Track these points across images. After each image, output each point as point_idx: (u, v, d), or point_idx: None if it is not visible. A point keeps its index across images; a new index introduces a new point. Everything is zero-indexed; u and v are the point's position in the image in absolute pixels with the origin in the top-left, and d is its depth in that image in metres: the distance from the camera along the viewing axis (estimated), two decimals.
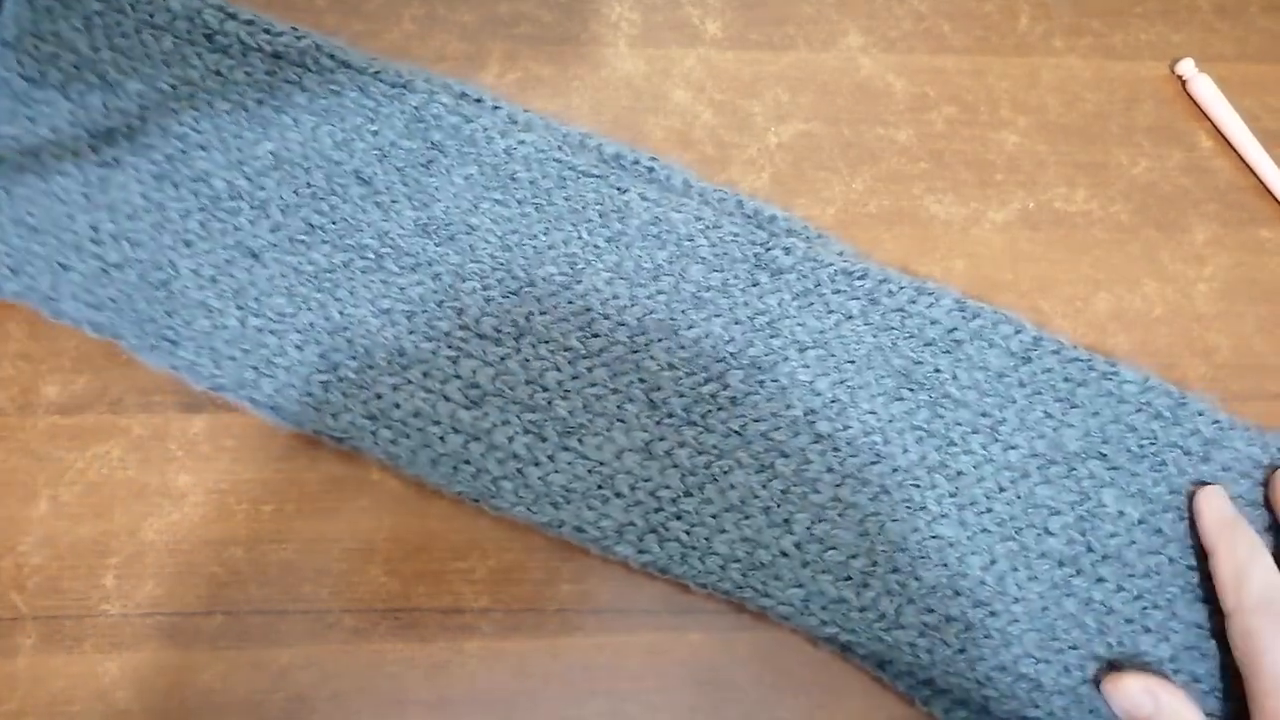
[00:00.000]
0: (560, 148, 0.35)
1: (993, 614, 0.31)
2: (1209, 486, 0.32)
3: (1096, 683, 0.31)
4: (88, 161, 0.34)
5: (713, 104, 0.38)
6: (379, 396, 0.32)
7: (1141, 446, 0.33)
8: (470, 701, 0.32)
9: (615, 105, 0.38)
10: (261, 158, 0.34)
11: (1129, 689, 0.30)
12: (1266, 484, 0.33)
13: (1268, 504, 0.33)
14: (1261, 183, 0.39)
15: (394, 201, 0.34)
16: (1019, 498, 0.32)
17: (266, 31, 0.34)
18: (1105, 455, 0.33)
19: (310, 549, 0.33)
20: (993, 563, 0.32)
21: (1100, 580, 0.32)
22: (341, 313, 0.33)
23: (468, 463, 0.32)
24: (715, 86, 0.39)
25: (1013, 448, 0.33)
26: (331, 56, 0.35)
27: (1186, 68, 0.39)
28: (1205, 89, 0.39)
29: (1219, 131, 0.39)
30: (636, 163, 0.36)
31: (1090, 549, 0.32)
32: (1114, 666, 0.31)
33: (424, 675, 0.32)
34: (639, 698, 0.32)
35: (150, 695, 0.31)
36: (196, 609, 0.32)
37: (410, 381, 0.33)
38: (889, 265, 0.37)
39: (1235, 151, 0.39)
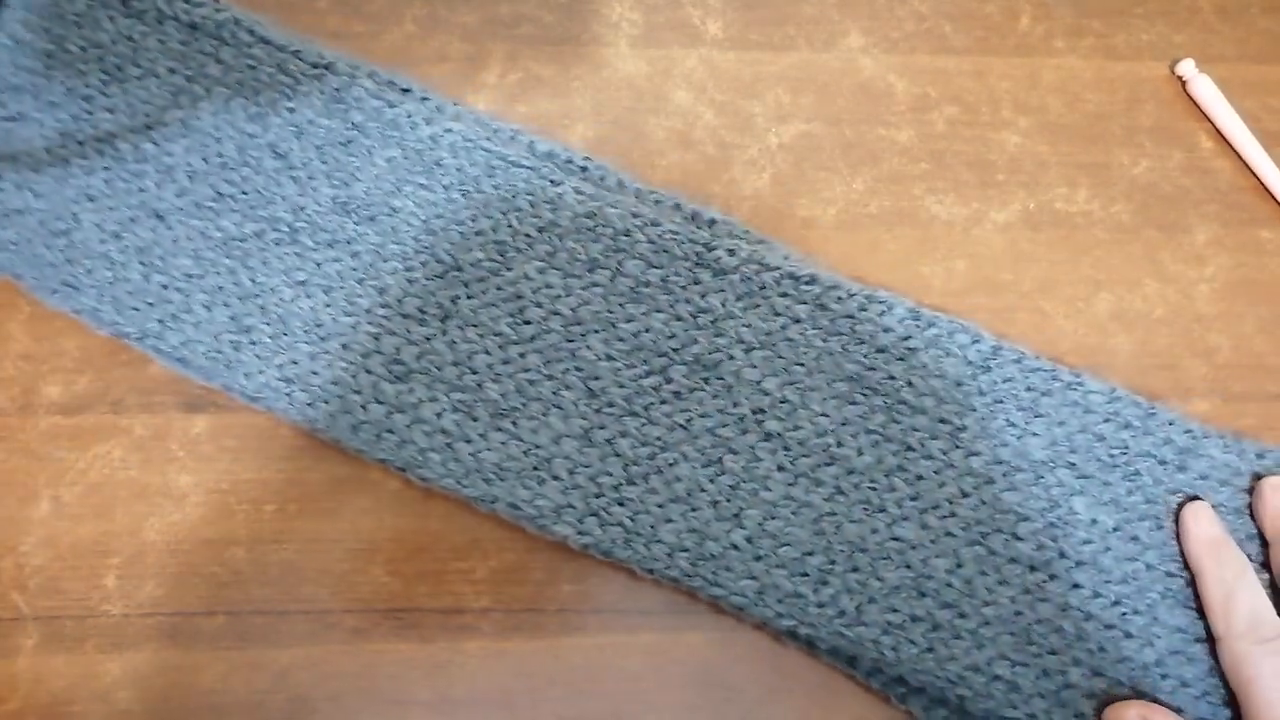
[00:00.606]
0: (489, 138, 0.35)
1: (962, 615, 0.31)
2: (1195, 503, 0.32)
3: (1092, 698, 0.31)
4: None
5: (714, 104, 0.39)
6: (295, 362, 0.33)
7: (1112, 456, 0.33)
8: (471, 702, 0.32)
9: (616, 106, 0.38)
10: (170, 124, 0.34)
11: (1124, 718, 0.30)
12: (1251, 492, 0.33)
13: (1251, 514, 0.32)
14: (1262, 183, 0.38)
15: (311, 178, 0.34)
16: (984, 503, 0.32)
17: (185, 0, 0.34)
18: (1074, 464, 0.32)
19: (311, 549, 0.33)
20: (959, 566, 0.31)
21: (1076, 586, 0.31)
22: (253, 280, 0.33)
23: (391, 432, 0.32)
24: (716, 87, 0.39)
25: (975, 454, 0.32)
26: (250, 32, 0.35)
27: (1187, 68, 0.39)
28: (1205, 89, 0.39)
29: (1219, 132, 0.39)
30: (570, 161, 0.36)
31: (1063, 555, 0.31)
32: (1098, 674, 0.31)
33: (424, 675, 0.32)
34: (639, 698, 0.32)
35: (151, 695, 0.31)
36: (197, 609, 0.32)
37: (328, 352, 0.33)
38: (888, 267, 0.37)
39: (1235, 152, 0.39)
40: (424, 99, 0.36)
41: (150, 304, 0.33)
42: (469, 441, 0.32)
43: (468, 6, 0.39)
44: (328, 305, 0.33)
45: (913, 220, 0.38)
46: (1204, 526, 0.31)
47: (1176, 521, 0.32)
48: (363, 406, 0.32)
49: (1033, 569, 0.31)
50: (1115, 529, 0.32)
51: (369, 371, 0.32)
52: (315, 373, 0.32)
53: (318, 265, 0.33)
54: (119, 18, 0.35)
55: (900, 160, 0.38)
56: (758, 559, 0.31)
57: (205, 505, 0.33)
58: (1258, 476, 0.33)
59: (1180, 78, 0.40)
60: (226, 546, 0.32)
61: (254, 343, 0.33)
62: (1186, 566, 0.32)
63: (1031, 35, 0.40)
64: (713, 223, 0.35)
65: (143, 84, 0.34)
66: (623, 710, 0.32)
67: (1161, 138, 0.39)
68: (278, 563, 0.32)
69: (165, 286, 0.33)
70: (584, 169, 0.36)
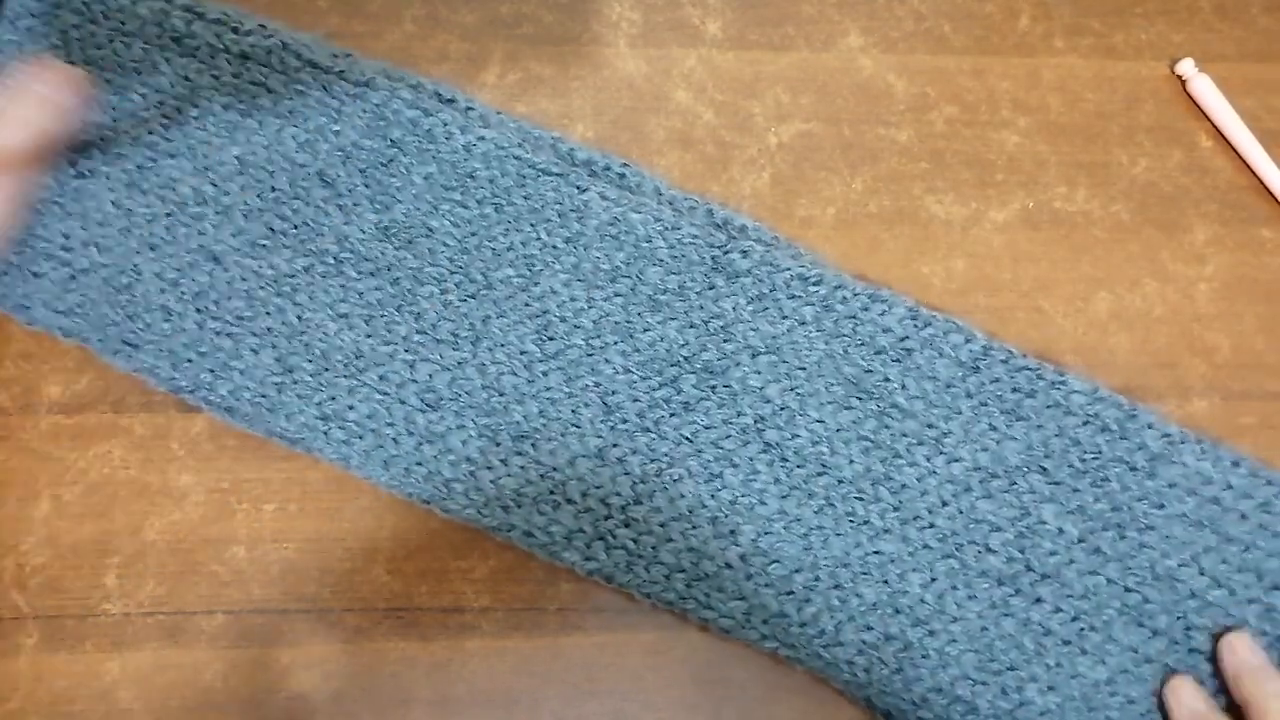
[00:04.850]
0: (520, 145, 0.35)
1: (931, 633, 0.31)
2: (1231, 635, 0.31)
3: (1045, 715, 0.31)
4: (64, 174, 0.34)
5: (713, 104, 0.39)
6: (333, 399, 0.33)
7: (1084, 461, 0.33)
8: (471, 701, 0.32)
9: (616, 106, 0.38)
10: (227, 163, 0.34)
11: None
12: (1217, 502, 0.32)
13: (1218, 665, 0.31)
14: (1261, 182, 0.39)
15: (355, 204, 0.34)
16: (960, 513, 0.32)
17: (234, 30, 0.35)
18: (1046, 470, 0.33)
19: (312, 548, 0.33)
20: (933, 580, 0.32)
21: (1038, 600, 0.32)
22: (300, 317, 0.33)
23: (420, 464, 0.32)
24: (716, 87, 0.39)
25: (956, 460, 0.33)
26: (297, 56, 0.35)
27: (1186, 67, 0.39)
28: (1205, 89, 0.39)
29: (1218, 131, 0.39)
30: (608, 168, 0.36)
31: (1029, 568, 0.32)
32: (1052, 689, 0.31)
33: (425, 674, 0.32)
34: (639, 696, 0.32)
35: (152, 694, 0.31)
36: (198, 608, 0.32)
37: (366, 385, 0.33)
38: (888, 266, 0.37)
39: (1235, 151, 0.39)
40: (469, 109, 0.36)
41: (203, 353, 0.33)
42: (490, 469, 0.32)
43: (468, 6, 0.39)
44: (368, 336, 0.33)
45: (912, 219, 0.38)
46: (1244, 655, 0.31)
47: (1214, 655, 0.31)
48: (394, 440, 0.33)
49: (1000, 583, 0.32)
50: (1080, 540, 0.32)
51: (403, 402, 0.33)
52: (352, 407, 0.33)
53: (360, 295, 0.34)
54: (174, 58, 0.35)
55: (899, 160, 0.38)
56: (748, 578, 0.32)
57: (205, 504, 0.33)
58: (1229, 486, 0.32)
59: (1180, 77, 0.40)
60: (227, 545, 0.33)
61: (296, 382, 0.33)
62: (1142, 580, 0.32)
63: (1031, 35, 0.40)
64: (744, 228, 0.35)
65: (200, 123, 0.35)
66: (623, 709, 0.32)
67: (1161, 137, 0.39)
68: (278, 562, 0.32)
69: (218, 333, 0.33)
70: (621, 175, 0.36)
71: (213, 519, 0.33)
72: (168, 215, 0.34)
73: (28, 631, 0.31)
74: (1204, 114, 0.39)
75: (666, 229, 0.34)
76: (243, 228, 0.34)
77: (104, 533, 0.32)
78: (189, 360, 0.33)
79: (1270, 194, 0.38)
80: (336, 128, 0.35)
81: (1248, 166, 0.39)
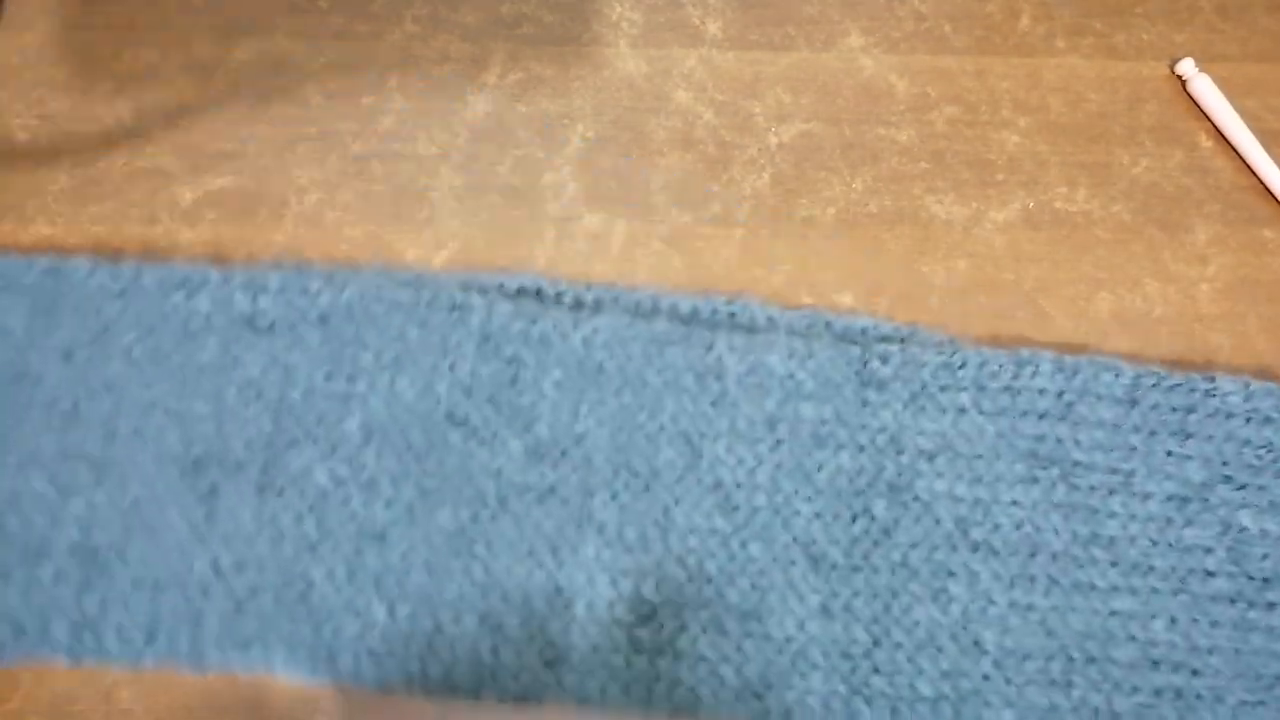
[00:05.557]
0: (633, 322, 0.34)
1: (1194, 673, 0.31)
2: None
3: None
4: (187, 497, 0.31)
5: (714, 104, 0.39)
6: (551, 644, 0.31)
7: (1260, 457, 0.33)
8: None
9: (617, 106, 0.38)
10: (350, 435, 0.32)
11: None
12: None
13: None
14: (1262, 183, 0.38)
15: (495, 435, 0.32)
16: (1170, 546, 0.32)
17: (304, 293, 0.33)
18: (1230, 477, 0.32)
19: None
20: (1174, 621, 0.31)
21: (1272, 605, 0.31)
22: (485, 571, 0.31)
23: (658, 679, 0.30)
24: (716, 87, 0.39)
25: (1149, 497, 0.32)
26: (378, 299, 0.33)
27: (1186, 67, 0.39)
28: (1204, 88, 0.39)
29: (1219, 132, 0.39)
30: (715, 311, 0.35)
31: (1250, 577, 0.32)
32: None
33: None
34: None
35: (153, 695, 0.31)
36: None
37: (576, 618, 0.31)
38: (889, 266, 0.37)
39: (1235, 151, 0.39)
40: (558, 294, 0.35)
41: (404, 641, 0.31)
42: (728, 661, 0.31)
43: (468, 6, 0.39)
44: (559, 566, 0.31)
45: (913, 220, 0.38)
46: None
47: None
48: (626, 664, 0.30)
49: (1232, 601, 0.31)
50: None
51: (620, 624, 0.31)
52: (573, 646, 0.30)
53: (535, 527, 0.31)
54: (253, 341, 0.33)
55: (900, 160, 0.38)
56: (1008, 682, 0.31)
57: None
58: None
59: (1180, 77, 0.40)
60: None
61: (508, 639, 0.31)
62: None
63: (1032, 35, 0.40)
64: (864, 330, 0.35)
65: (305, 402, 0.32)
66: None
67: (1162, 137, 0.39)
68: None
69: (411, 615, 0.31)
70: (731, 315, 0.35)
71: None
72: (311, 509, 0.31)
73: None
74: (1204, 114, 0.39)
75: (802, 360, 0.33)
76: (392, 496, 0.32)
77: None
78: (392, 654, 0.30)
79: (1272, 194, 0.38)
80: (448, 363, 0.33)
81: (1249, 167, 0.39)
